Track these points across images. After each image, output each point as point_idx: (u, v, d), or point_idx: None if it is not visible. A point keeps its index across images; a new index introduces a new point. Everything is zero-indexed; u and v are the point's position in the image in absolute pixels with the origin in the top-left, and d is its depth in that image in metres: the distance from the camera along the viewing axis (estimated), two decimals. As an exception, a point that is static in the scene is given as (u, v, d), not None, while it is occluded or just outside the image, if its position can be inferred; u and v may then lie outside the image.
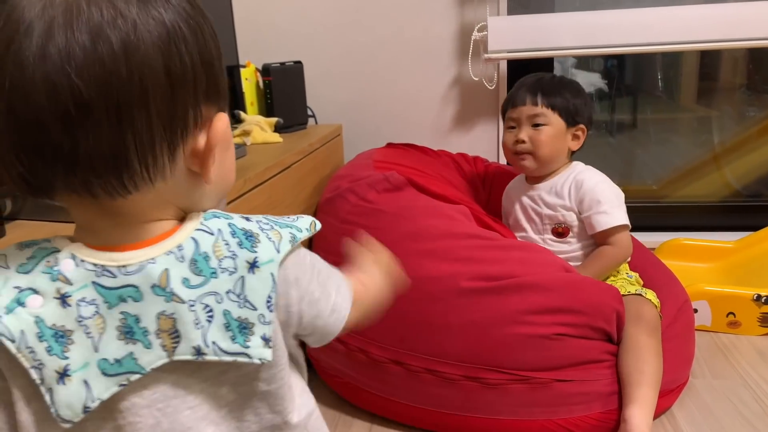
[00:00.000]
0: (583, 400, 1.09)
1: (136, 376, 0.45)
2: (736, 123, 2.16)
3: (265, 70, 1.57)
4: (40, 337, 0.43)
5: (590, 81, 2.26)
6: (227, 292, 0.47)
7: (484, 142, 1.83)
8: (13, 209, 0.86)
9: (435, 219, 1.22)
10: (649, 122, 2.35)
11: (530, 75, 1.40)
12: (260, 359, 0.48)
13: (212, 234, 0.47)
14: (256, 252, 0.48)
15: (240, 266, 0.47)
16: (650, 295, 1.25)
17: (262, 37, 1.83)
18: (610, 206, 1.29)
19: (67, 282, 0.44)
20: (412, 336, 1.13)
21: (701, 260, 1.72)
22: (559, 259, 1.24)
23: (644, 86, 2.33)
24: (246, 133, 1.44)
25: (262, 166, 1.16)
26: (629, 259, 1.36)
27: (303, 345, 1.44)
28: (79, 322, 0.44)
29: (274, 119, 1.53)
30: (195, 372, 0.48)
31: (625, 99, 2.31)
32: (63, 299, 0.43)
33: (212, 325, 0.46)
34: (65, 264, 0.44)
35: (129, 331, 0.45)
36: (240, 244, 0.48)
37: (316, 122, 1.82)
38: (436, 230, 1.20)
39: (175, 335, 0.45)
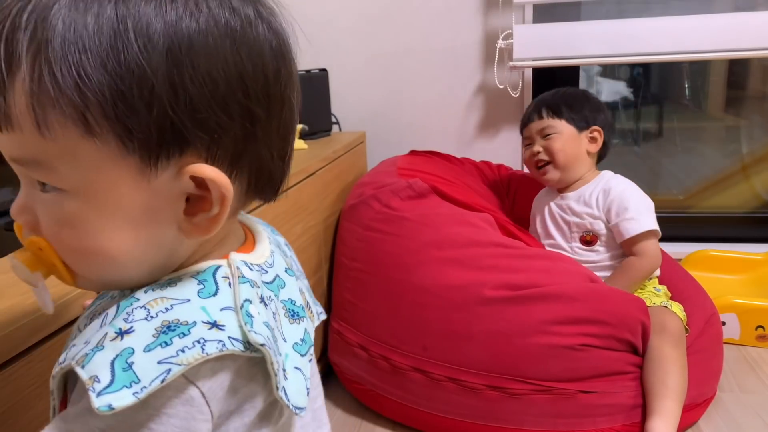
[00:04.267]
0: (607, 411, 1.08)
1: (312, 349, 0.48)
2: (765, 132, 2.13)
3: (291, 78, 1.59)
4: (275, 340, 0.42)
5: (616, 89, 2.25)
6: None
7: (508, 149, 1.82)
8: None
9: (459, 227, 1.22)
10: (675, 131, 2.32)
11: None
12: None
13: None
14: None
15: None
16: (676, 307, 1.23)
17: (287, 44, 1.84)
18: (638, 212, 1.28)
19: (258, 285, 0.43)
20: (435, 344, 1.13)
21: (729, 272, 1.69)
22: (584, 268, 1.23)
23: (670, 94, 2.30)
24: (271, 140, 1.46)
25: (288, 172, 1.17)
26: (658, 271, 1.34)
27: (325, 350, 1.45)
28: (274, 318, 0.44)
29: (298, 126, 1.54)
30: None
31: (651, 107, 2.28)
32: (263, 301, 0.43)
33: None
34: (246, 271, 0.43)
35: (294, 314, 0.47)
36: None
37: (340, 129, 1.83)
38: (459, 238, 1.20)
39: (308, 306, 0.50)
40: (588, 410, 1.08)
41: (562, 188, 1.40)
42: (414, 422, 1.19)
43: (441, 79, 1.81)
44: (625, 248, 1.30)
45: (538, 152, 1.38)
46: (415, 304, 1.16)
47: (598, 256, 1.33)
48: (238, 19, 0.39)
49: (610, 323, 1.09)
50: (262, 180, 0.44)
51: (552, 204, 1.41)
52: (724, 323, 1.42)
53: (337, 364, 1.30)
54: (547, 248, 1.39)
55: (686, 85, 2.23)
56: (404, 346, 1.15)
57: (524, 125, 1.44)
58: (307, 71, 1.62)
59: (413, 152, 1.64)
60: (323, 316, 0.54)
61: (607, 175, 1.38)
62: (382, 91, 1.85)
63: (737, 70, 2.08)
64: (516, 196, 1.66)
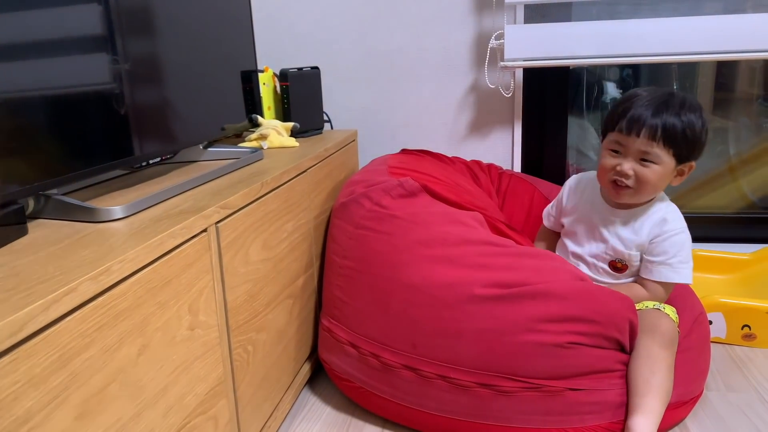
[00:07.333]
0: (595, 409, 1.09)
1: None
2: (753, 134, 2.15)
3: (283, 75, 1.58)
4: None
5: (605, 90, 2.26)
6: None
7: (498, 149, 1.83)
8: (35, 208, 0.88)
9: (449, 225, 1.23)
10: (664, 132, 2.34)
11: (650, 91, 1.20)
12: None
13: None
14: None
15: None
16: (668, 309, 1.24)
17: (280, 42, 1.84)
18: (678, 260, 1.22)
19: None
20: (425, 342, 1.13)
21: (716, 272, 1.71)
22: (573, 267, 1.24)
23: (660, 96, 2.31)
24: (263, 137, 1.46)
25: (279, 170, 1.17)
26: None
27: (315, 347, 1.44)
28: None
29: (290, 124, 1.54)
30: None
31: (640, 108, 2.29)
32: None
33: None
34: None
35: None
36: None
37: (332, 127, 1.83)
38: (449, 236, 1.20)
39: None
40: (576, 407, 1.09)
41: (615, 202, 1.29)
42: (404, 420, 1.20)
43: (433, 79, 1.81)
44: (640, 277, 1.27)
45: (628, 176, 1.19)
46: (406, 302, 1.16)
47: (618, 280, 1.29)
48: None
49: (599, 321, 1.10)
50: None
51: (596, 215, 1.31)
52: (710, 322, 1.43)
53: (327, 361, 1.30)
54: (568, 246, 1.36)
55: (675, 87, 2.24)
56: (394, 343, 1.16)
57: (626, 132, 1.18)
58: (299, 69, 1.62)
59: (404, 151, 1.64)
60: None
61: (664, 204, 1.26)
62: (375, 90, 1.85)
63: (725, 72, 2.10)
64: (506, 195, 1.67)
